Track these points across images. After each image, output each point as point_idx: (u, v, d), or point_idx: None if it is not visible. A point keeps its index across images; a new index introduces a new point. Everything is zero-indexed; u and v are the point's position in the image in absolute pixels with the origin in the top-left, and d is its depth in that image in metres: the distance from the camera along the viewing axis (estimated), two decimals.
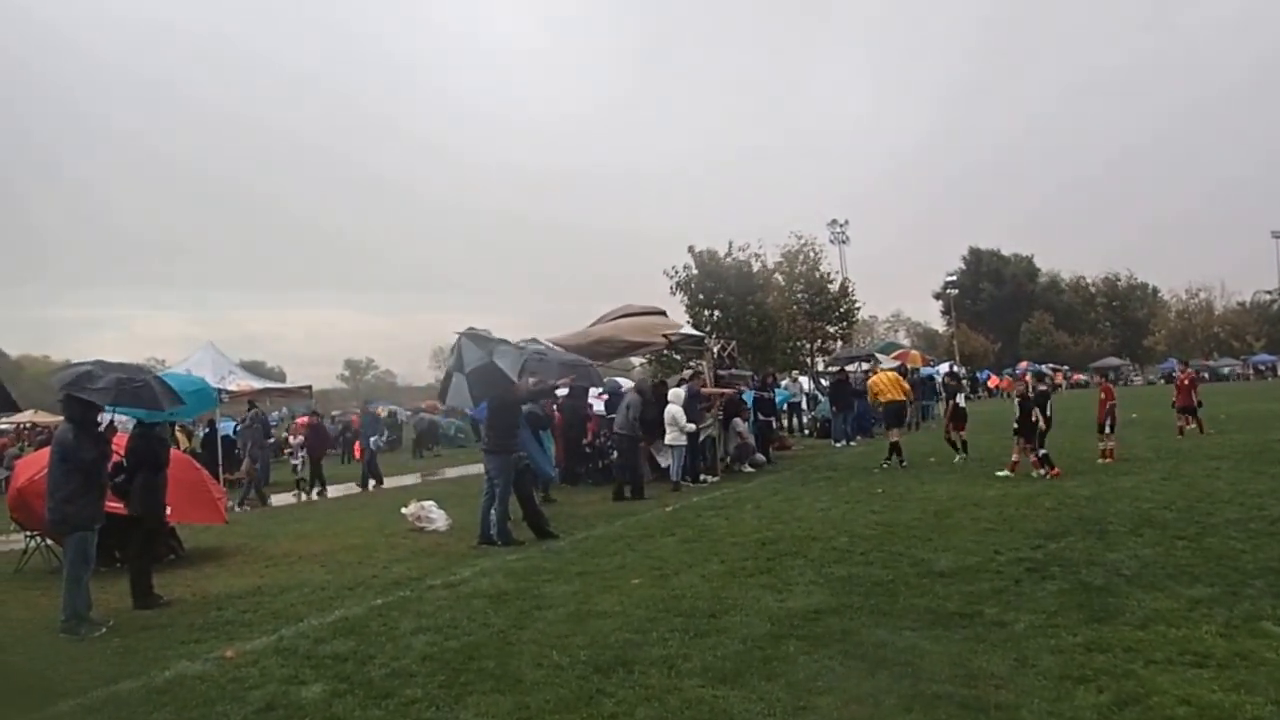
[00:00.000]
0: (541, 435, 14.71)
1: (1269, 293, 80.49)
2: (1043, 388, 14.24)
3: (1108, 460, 13.74)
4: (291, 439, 21.92)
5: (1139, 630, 5.27)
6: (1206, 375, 42.19)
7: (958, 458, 15.54)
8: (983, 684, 4.55)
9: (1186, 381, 18.94)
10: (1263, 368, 66.68)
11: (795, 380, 30.82)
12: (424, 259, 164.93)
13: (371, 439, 21.08)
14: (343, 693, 5.10)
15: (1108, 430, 14.22)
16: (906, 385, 16.58)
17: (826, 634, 5.61)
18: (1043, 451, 12.92)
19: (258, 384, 23.05)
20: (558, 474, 15.65)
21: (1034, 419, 12.97)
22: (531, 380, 11.78)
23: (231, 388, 20.49)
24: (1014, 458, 13.38)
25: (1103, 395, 14.78)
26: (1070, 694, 4.35)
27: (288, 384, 30.83)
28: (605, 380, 18.75)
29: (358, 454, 22.04)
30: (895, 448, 15.58)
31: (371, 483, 20.05)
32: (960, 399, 17.05)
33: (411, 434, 34.28)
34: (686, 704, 4.55)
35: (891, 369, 22.65)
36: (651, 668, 5.14)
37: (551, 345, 15.06)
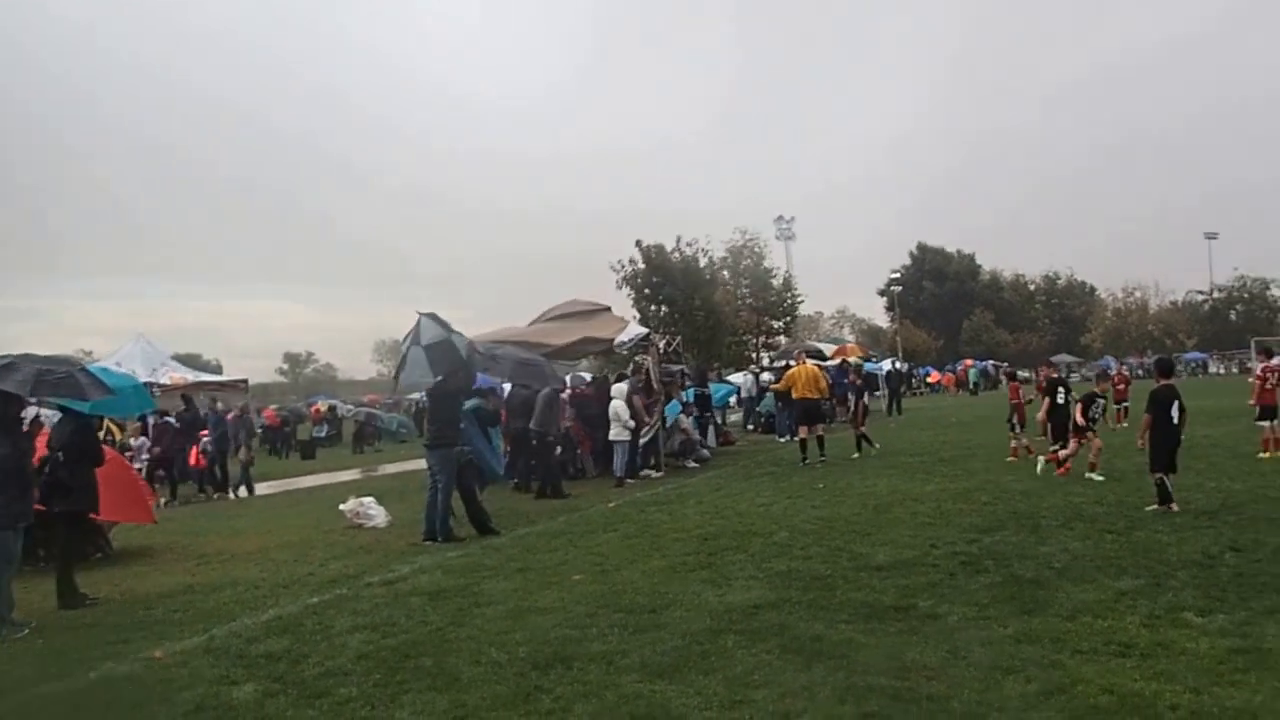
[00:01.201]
0: (490, 432, 14.56)
1: (1201, 293, 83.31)
2: (1056, 375, 14.29)
3: (1013, 459, 13.76)
4: (133, 440, 18.35)
5: (1067, 621, 5.42)
6: (1141, 373, 43.25)
7: (864, 452, 16.15)
8: (915, 675, 4.63)
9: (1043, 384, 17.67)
10: (1194, 365, 68.91)
11: (748, 375, 30.97)
12: (366, 251, 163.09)
13: (204, 439, 18.25)
14: (275, 693, 5.00)
15: (1018, 429, 14.14)
16: (824, 385, 16.50)
17: (764, 628, 5.66)
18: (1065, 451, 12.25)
19: (191, 376, 22.44)
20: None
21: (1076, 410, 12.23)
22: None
23: (164, 380, 19.92)
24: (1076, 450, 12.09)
25: (1010, 396, 14.76)
26: (999, 684, 4.45)
27: (224, 377, 30.05)
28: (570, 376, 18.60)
29: (193, 459, 18.37)
30: (803, 445, 15.66)
31: (210, 489, 18.18)
32: (867, 397, 17.44)
33: (352, 428, 33.77)
34: (624, 699, 4.55)
35: (830, 366, 22.89)
36: (590, 664, 5.13)
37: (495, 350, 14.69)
